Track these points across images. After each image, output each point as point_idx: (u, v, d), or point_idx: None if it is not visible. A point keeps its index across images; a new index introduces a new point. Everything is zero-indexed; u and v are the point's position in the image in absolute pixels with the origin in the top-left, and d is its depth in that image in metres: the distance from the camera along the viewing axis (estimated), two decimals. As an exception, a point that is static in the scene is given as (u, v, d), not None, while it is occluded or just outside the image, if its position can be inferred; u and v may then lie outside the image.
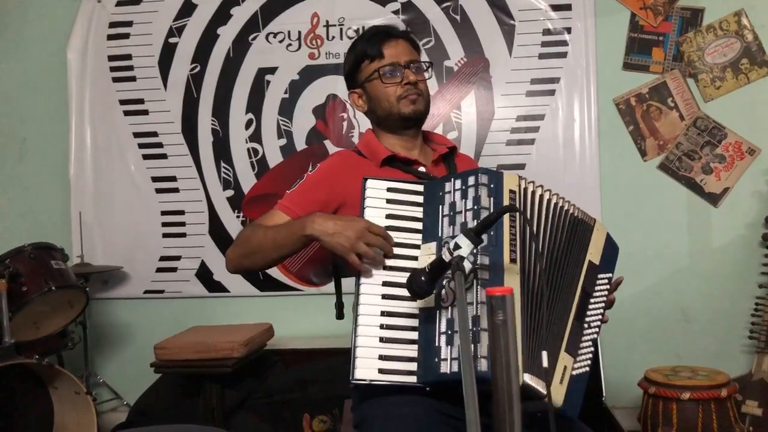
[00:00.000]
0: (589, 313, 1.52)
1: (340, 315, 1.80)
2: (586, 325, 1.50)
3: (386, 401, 1.46)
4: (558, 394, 1.41)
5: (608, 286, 1.60)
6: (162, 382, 3.01)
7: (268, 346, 3.04)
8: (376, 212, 1.50)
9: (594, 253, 1.57)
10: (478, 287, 1.35)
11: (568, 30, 3.23)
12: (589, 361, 1.50)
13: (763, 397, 2.84)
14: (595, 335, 1.53)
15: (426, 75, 1.82)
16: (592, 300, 1.53)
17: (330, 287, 1.84)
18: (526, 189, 1.48)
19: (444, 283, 1.39)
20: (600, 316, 1.56)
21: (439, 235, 1.45)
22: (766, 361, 2.90)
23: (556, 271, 1.49)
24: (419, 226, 1.50)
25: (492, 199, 1.42)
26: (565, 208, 1.55)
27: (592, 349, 1.51)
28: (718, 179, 3.19)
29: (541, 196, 1.52)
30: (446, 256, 1.26)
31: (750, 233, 3.15)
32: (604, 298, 1.58)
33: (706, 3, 3.18)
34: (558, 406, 1.40)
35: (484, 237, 1.35)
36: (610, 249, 1.62)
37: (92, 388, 3.19)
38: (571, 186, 3.16)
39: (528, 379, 1.34)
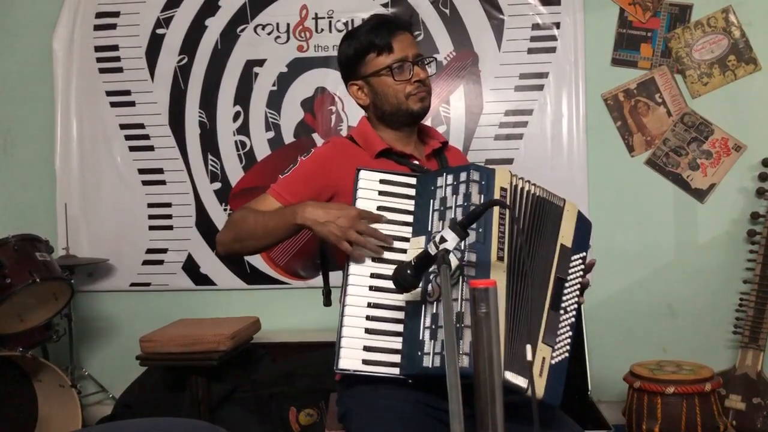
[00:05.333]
0: (564, 299, 1.52)
1: (327, 302, 1.79)
2: (562, 311, 1.50)
3: (370, 394, 1.46)
4: (538, 386, 1.41)
5: (583, 266, 1.57)
6: (148, 375, 2.99)
7: (254, 340, 3.03)
8: (367, 203, 1.50)
9: (565, 236, 1.54)
10: (464, 284, 1.35)
11: (557, 25, 3.24)
12: (568, 347, 1.50)
13: (746, 391, 2.86)
14: (573, 319, 1.52)
15: (429, 70, 1.78)
16: (566, 285, 1.52)
17: (317, 281, 1.84)
18: (516, 186, 1.48)
19: (431, 277, 1.39)
20: (576, 299, 1.54)
21: (429, 229, 1.45)
22: (749, 355, 2.92)
23: (535, 265, 1.49)
24: (410, 219, 1.50)
25: (482, 196, 1.41)
26: (537, 194, 1.52)
27: (570, 333, 1.51)
28: (704, 175, 3.20)
29: (533, 193, 1.51)
30: (432, 250, 1.26)
31: (735, 229, 3.17)
32: (579, 280, 1.56)
33: (694, 0, 3.20)
34: (539, 399, 1.41)
35: (474, 234, 1.36)
36: (582, 226, 1.58)
37: (77, 380, 3.17)
38: (558, 181, 3.16)
39: (509, 376, 1.34)
